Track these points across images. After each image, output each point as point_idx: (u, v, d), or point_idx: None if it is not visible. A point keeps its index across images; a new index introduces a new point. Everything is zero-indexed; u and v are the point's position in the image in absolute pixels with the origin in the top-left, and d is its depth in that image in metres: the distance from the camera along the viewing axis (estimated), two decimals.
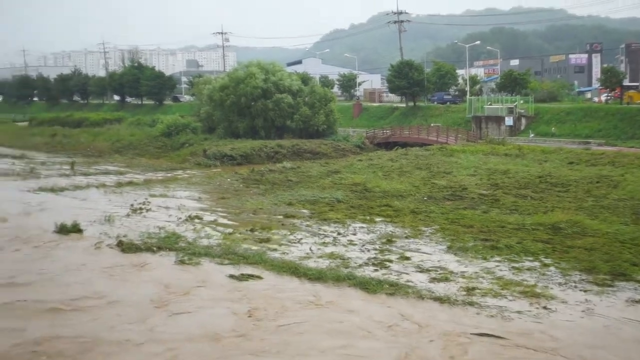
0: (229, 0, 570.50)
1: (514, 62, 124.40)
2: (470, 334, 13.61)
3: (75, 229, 23.43)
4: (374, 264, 18.86)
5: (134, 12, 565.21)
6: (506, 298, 15.77)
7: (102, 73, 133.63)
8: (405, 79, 67.27)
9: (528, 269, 18.18)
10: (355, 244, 21.43)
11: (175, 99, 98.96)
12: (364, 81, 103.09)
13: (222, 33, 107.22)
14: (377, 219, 25.32)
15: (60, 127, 70.55)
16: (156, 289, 16.71)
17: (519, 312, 14.79)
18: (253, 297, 16.08)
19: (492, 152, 42.52)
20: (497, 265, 18.65)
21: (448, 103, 70.55)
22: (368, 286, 16.66)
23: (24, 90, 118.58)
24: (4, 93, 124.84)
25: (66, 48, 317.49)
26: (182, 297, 16.09)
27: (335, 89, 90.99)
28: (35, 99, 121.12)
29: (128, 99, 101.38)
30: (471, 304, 15.43)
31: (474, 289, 16.49)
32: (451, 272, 17.98)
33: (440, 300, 15.73)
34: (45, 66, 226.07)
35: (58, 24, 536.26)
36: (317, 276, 17.65)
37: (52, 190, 33.49)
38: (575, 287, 16.66)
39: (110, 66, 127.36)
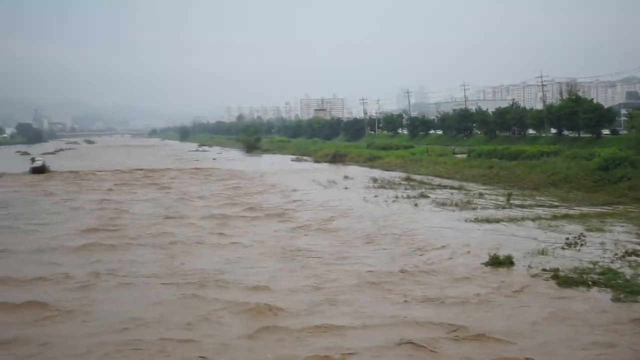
0: None
1: None
2: None
3: (508, 261, 24.05)
4: None
5: (572, 44, 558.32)
6: None
7: (539, 106, 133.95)
8: None
9: None
10: None
11: (615, 132, 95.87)
12: None
13: None
14: None
15: (497, 159, 72.02)
16: None
17: None
18: None
19: None
20: None
21: None
22: None
23: (463, 123, 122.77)
24: (445, 126, 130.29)
25: (504, 82, 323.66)
26: None
27: None
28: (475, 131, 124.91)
29: (565, 132, 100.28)
30: None
31: None
32: None
33: None
34: (483, 100, 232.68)
35: (496, 58, 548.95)
36: None
37: (487, 221, 34.52)
38: None
39: (548, 99, 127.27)
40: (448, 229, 32.43)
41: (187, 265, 25.55)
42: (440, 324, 17.74)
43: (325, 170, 76.94)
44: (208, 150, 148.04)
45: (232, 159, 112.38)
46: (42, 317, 19.00)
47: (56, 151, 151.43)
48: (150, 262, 26.13)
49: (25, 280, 23.44)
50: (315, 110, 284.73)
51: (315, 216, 38.04)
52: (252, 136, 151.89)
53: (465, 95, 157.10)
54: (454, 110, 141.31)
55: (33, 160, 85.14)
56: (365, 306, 19.54)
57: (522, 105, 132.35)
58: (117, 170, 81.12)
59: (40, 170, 77.87)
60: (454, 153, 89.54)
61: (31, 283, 23.06)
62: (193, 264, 25.76)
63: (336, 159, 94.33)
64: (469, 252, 26.69)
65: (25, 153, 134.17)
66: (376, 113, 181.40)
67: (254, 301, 19.96)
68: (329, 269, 24.49)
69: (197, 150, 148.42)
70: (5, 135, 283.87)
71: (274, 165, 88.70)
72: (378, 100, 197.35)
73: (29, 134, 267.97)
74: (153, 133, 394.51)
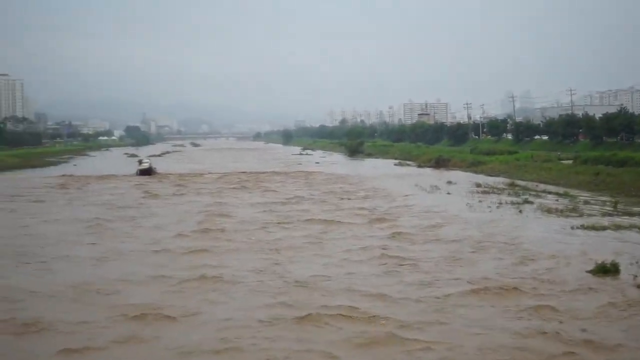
0: None
1: None
2: None
3: (614, 269, 23.60)
4: None
5: None
6: None
7: None
8: None
9: None
10: None
11: None
12: None
13: None
14: None
15: (604, 166, 70.46)
16: None
17: None
18: None
19: None
20: None
21: None
22: None
23: (569, 128, 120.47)
24: (551, 131, 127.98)
25: (612, 87, 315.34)
26: None
27: None
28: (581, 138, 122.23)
29: None
30: None
31: None
32: None
33: None
34: (590, 105, 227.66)
35: (605, 63, 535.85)
36: None
37: (594, 228, 33.86)
38: None
39: None
40: (554, 236, 32.02)
41: (291, 271, 25.65)
42: (562, 340, 17.26)
43: (429, 175, 76.44)
44: (311, 154, 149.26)
45: (335, 162, 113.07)
46: (149, 321, 19.40)
47: (163, 153, 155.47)
48: (255, 268, 26.28)
49: (135, 282, 24.12)
50: (419, 114, 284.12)
51: (420, 222, 37.77)
52: (354, 140, 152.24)
53: (571, 100, 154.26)
54: (560, 115, 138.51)
55: (140, 162, 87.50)
56: (479, 319, 19.15)
57: (630, 110, 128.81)
58: (223, 173, 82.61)
59: (147, 172, 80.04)
60: (559, 159, 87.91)
61: (140, 286, 23.73)
62: (297, 270, 25.86)
63: (439, 163, 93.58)
64: (576, 260, 26.27)
65: (133, 155, 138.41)
66: (480, 118, 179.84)
67: (362, 310, 19.85)
68: (437, 277, 24.23)
69: (300, 154, 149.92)
70: (114, 137, 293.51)
71: (377, 170, 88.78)
72: (482, 104, 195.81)
73: (137, 136, 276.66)
74: (257, 136, 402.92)
